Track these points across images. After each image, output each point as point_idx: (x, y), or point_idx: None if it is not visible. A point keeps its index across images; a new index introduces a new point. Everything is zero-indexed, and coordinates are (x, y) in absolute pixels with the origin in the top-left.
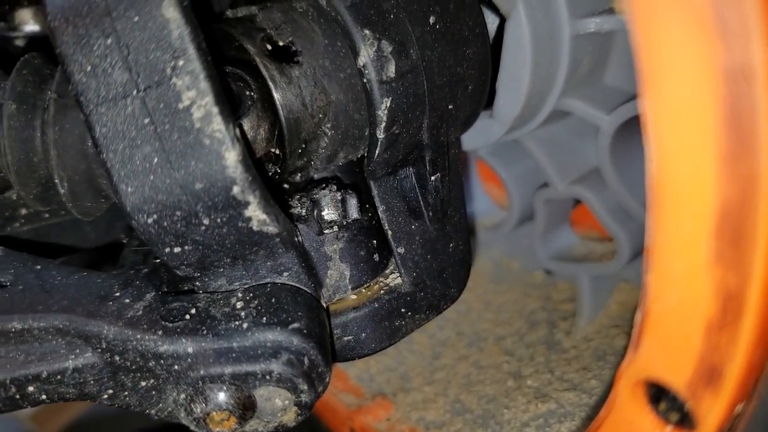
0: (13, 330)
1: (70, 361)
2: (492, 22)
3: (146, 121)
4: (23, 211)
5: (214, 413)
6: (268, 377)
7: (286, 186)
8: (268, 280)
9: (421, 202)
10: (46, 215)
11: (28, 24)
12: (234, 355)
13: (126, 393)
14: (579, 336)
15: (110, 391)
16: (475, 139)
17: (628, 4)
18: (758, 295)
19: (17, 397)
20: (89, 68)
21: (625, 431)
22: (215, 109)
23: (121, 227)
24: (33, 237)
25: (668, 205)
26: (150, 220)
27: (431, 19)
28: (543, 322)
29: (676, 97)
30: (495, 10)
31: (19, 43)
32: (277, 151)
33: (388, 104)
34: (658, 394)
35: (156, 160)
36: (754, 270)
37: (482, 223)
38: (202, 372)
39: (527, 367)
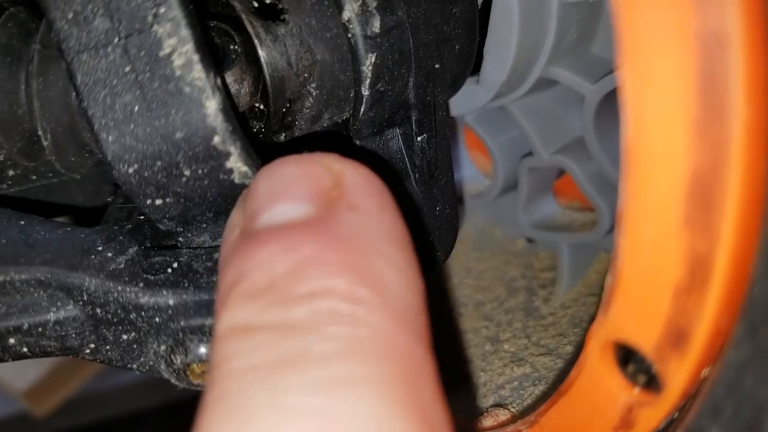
0: None
1: (52, 314)
2: None
3: (127, 69)
4: (10, 173)
5: (195, 365)
6: None
7: (271, 143)
8: None
9: (408, 164)
10: (34, 177)
11: None
12: (214, 306)
13: (108, 347)
14: (557, 303)
15: (92, 345)
16: (462, 104)
17: None
18: (725, 260)
19: None
20: (71, 15)
21: (593, 392)
22: (195, 57)
23: (109, 190)
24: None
25: (641, 170)
26: (131, 170)
27: None
28: (522, 289)
29: (650, 62)
30: None
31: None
32: (262, 107)
33: (373, 60)
34: (626, 357)
35: (137, 108)
36: (722, 235)
37: (467, 191)
38: (182, 323)
39: (505, 332)
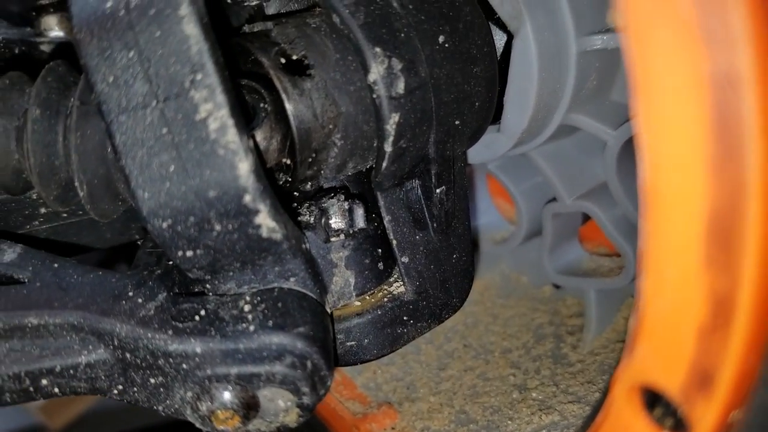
0: (30, 325)
1: (83, 357)
2: (500, 38)
3: (164, 130)
4: (42, 210)
5: (219, 411)
6: (271, 378)
7: (295, 194)
8: (275, 284)
9: (426, 214)
10: (65, 215)
11: (53, 30)
12: (240, 356)
13: (135, 389)
14: (585, 350)
15: (120, 387)
16: (484, 152)
17: (619, 16)
18: (748, 299)
19: (31, 389)
20: (112, 79)
21: None
22: (230, 122)
23: (136, 228)
24: (51, 235)
25: (660, 211)
26: (165, 225)
27: (440, 38)
28: (550, 336)
29: (665, 104)
30: (503, 27)
31: (44, 48)
32: (288, 161)
33: (397, 119)
34: (653, 400)
35: (172, 167)
36: (743, 273)
37: (491, 237)
38: (209, 371)
39: (533, 380)
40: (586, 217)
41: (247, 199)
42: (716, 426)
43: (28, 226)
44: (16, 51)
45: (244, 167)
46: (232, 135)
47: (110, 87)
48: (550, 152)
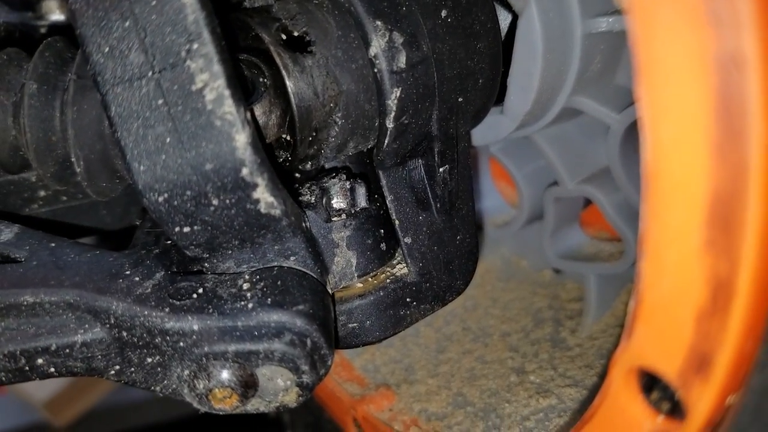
0: (26, 303)
1: (79, 336)
2: (504, 18)
3: (160, 102)
4: (42, 193)
5: (217, 390)
6: (270, 356)
7: (297, 175)
8: (275, 263)
9: (429, 194)
10: (64, 198)
11: (54, 13)
12: (238, 333)
13: (132, 369)
14: (584, 334)
15: (117, 367)
16: (487, 134)
17: None
18: (747, 283)
19: (26, 368)
20: (107, 49)
21: (617, 420)
22: (227, 92)
23: (136, 212)
24: (50, 219)
25: (662, 193)
26: (161, 199)
27: (443, 13)
28: (549, 320)
29: (669, 86)
30: (508, 7)
31: (44, 31)
32: (288, 138)
33: (398, 94)
34: (650, 383)
35: (168, 140)
36: (743, 257)
37: (493, 221)
38: (206, 349)
39: (531, 363)
40: (588, 202)
41: (245, 172)
42: (713, 410)
43: (27, 209)
44: (16, 35)
45: (242, 139)
46: (229, 105)
47: (105, 57)
48: (553, 135)
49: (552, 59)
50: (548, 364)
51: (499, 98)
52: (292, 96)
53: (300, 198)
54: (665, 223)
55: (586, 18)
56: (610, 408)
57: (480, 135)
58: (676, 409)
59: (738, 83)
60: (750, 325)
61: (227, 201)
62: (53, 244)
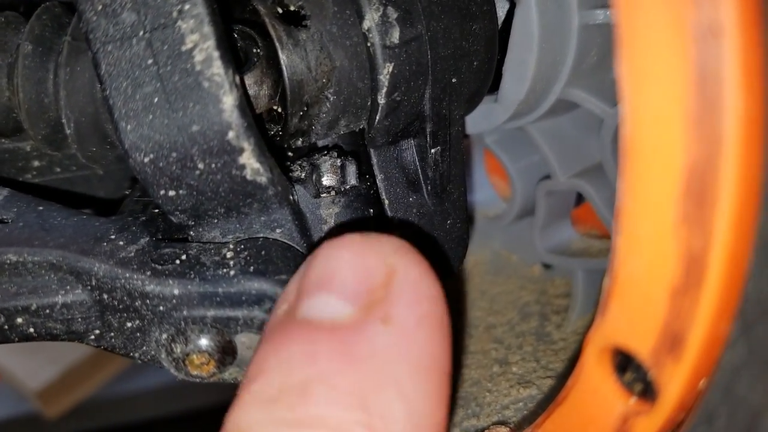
0: (8, 262)
1: (60, 297)
2: (502, 6)
3: (150, 61)
4: (36, 163)
5: (194, 355)
6: (249, 323)
7: (289, 154)
8: (261, 235)
9: (420, 175)
10: (58, 169)
11: None
12: (218, 299)
13: (112, 334)
14: (569, 329)
15: (97, 331)
16: (480, 122)
17: None
18: (720, 257)
19: (6, 327)
20: (100, 7)
21: (589, 401)
22: (216, 53)
23: (129, 185)
24: (43, 191)
25: (638, 166)
26: (146, 160)
27: None
28: (535, 314)
29: (647, 57)
30: None
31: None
32: (279, 110)
33: (390, 69)
34: (624, 364)
35: (156, 99)
36: (717, 230)
37: (484, 214)
38: (185, 313)
39: (514, 355)
40: (580, 200)
41: (231, 135)
42: (684, 391)
43: (20, 179)
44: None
45: (229, 101)
46: (218, 67)
47: (98, 15)
48: (548, 128)
49: (548, 49)
50: (531, 357)
51: (494, 87)
52: (284, 68)
53: (290, 174)
54: (641, 197)
55: (583, 9)
56: (583, 389)
57: (474, 123)
58: (648, 390)
59: (715, 54)
60: (722, 302)
61: (213, 165)
62: (41, 208)
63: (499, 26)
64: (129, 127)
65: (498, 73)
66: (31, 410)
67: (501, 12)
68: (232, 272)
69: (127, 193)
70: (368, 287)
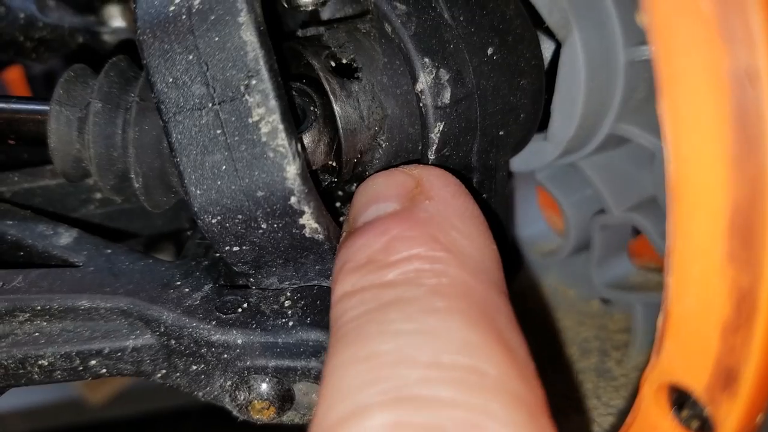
0: (83, 307)
1: (131, 341)
2: (548, 47)
3: (218, 131)
4: (98, 195)
5: (256, 402)
6: (307, 374)
7: (340, 193)
8: (315, 282)
9: None
10: (118, 201)
11: (116, 19)
12: (278, 350)
13: (177, 374)
14: (630, 365)
15: (163, 371)
16: (530, 160)
17: (645, 15)
18: None
19: (80, 368)
20: (171, 80)
21: None
22: (281, 126)
23: (186, 218)
24: (104, 220)
25: (684, 207)
26: (214, 221)
27: (489, 50)
28: (595, 350)
29: (687, 101)
30: (551, 35)
31: (107, 38)
32: (334, 164)
33: (441, 128)
34: (681, 400)
35: (224, 167)
36: (765, 268)
37: (539, 249)
38: (248, 363)
39: (575, 393)
40: (636, 232)
41: (293, 200)
42: (741, 427)
43: (83, 210)
44: (80, 40)
45: (292, 170)
46: (282, 139)
47: (169, 87)
48: (599, 163)
49: (595, 87)
50: (592, 394)
51: (543, 125)
52: (338, 119)
53: (341, 219)
54: (688, 236)
55: (629, 46)
56: (641, 426)
57: (524, 161)
58: (705, 427)
59: (753, 97)
60: None
61: (275, 225)
62: (109, 251)
63: (546, 66)
64: (198, 191)
65: (546, 111)
66: (75, 396)
67: (547, 53)
68: (290, 323)
69: (186, 228)
70: (406, 189)
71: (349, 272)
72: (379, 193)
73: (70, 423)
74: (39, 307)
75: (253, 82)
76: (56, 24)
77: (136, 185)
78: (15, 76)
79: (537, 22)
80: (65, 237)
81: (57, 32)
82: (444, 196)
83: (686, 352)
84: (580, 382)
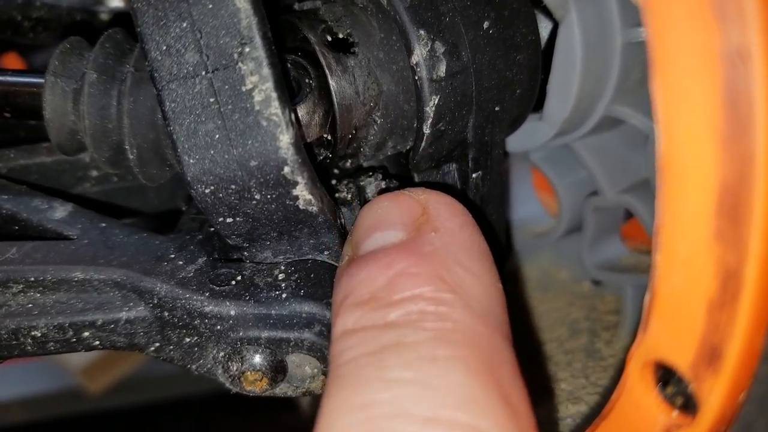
0: (76, 279)
1: (124, 313)
2: (545, 26)
3: (211, 100)
4: (94, 173)
5: (249, 373)
6: (300, 345)
7: (336, 171)
8: (309, 256)
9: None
10: (115, 179)
11: (113, 0)
12: (271, 321)
13: (171, 347)
14: (619, 345)
15: (157, 344)
16: (526, 140)
17: None
18: (755, 272)
19: (73, 340)
20: (164, 48)
21: (632, 414)
22: (274, 94)
23: (182, 196)
24: (101, 197)
25: (673, 185)
26: (207, 191)
27: (485, 24)
28: (585, 331)
29: (679, 79)
30: (549, 15)
31: (104, 17)
32: (329, 137)
33: (436, 101)
34: (665, 377)
35: (217, 136)
36: (751, 247)
37: (532, 230)
38: (241, 333)
39: (563, 372)
40: (629, 215)
41: (286, 170)
42: (725, 404)
43: (79, 188)
44: (78, 18)
45: (285, 139)
46: (275, 107)
47: (163, 55)
48: (594, 144)
49: (591, 67)
50: (581, 373)
51: (539, 105)
52: (334, 94)
53: (336, 195)
54: (677, 214)
55: (626, 27)
56: (626, 402)
57: (519, 141)
58: (689, 403)
59: (743, 76)
60: (758, 316)
61: (268, 196)
62: (103, 224)
63: (543, 46)
64: (192, 161)
65: (542, 91)
66: (75, 386)
67: (544, 32)
68: (284, 295)
69: (182, 208)
70: (411, 217)
71: (350, 308)
72: (384, 219)
73: (70, 412)
74: (32, 279)
75: (247, 49)
76: (53, 3)
77: (131, 157)
78: (12, 65)
79: (535, 1)
80: (60, 211)
81: (54, 11)
82: (451, 228)
83: (672, 329)
84: (568, 362)
